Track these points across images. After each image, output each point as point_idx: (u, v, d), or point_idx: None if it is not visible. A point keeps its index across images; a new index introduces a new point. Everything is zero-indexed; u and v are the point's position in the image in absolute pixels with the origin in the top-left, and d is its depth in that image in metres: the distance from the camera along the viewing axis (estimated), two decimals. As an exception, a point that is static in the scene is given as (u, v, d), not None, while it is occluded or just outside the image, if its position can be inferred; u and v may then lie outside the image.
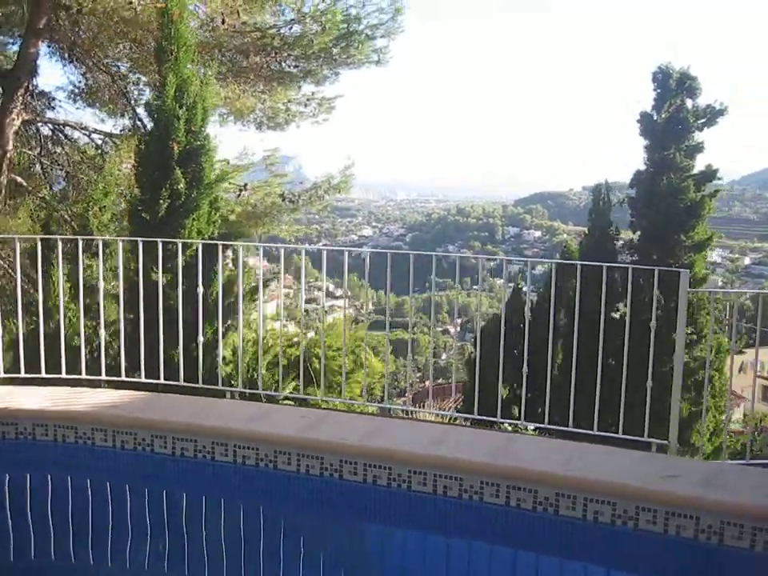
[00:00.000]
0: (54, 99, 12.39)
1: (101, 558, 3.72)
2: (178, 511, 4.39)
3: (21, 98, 10.76)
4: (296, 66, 10.57)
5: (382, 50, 10.52)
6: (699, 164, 9.49)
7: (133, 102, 10.91)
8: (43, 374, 5.84)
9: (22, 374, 5.83)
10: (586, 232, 9.85)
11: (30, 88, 10.99)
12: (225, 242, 6.93)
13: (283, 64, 10.40)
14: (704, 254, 9.39)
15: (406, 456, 4.01)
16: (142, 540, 3.90)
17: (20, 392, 5.20)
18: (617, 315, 8.54)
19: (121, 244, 6.27)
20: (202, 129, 7.58)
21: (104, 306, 6.33)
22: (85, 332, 6.41)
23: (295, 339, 13.61)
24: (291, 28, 9.62)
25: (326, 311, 8.33)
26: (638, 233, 9.59)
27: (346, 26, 9.94)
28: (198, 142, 7.55)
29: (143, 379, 6.03)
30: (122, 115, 11.32)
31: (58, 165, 11.57)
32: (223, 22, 9.34)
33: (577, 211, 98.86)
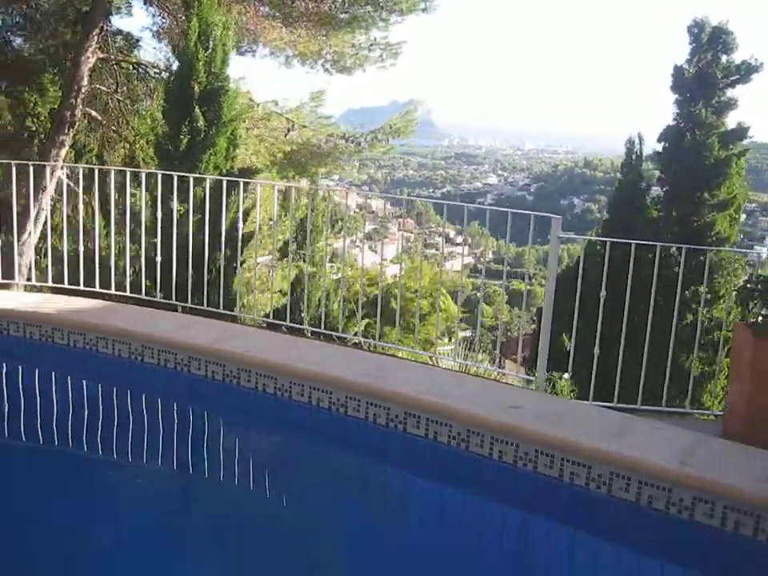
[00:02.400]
0: (138, 39, 13.22)
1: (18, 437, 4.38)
2: (101, 402, 5.05)
3: (96, 37, 11.56)
4: (345, 12, 10.88)
5: (429, -4, 10.69)
6: (732, 122, 9.29)
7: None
8: (81, 287, 6.68)
9: (65, 285, 6.72)
10: (617, 185, 9.86)
11: (105, 28, 11.78)
12: (231, 178, 7.39)
13: (332, 10, 10.72)
14: (729, 213, 9.22)
15: (287, 369, 4.48)
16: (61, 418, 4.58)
17: (9, 295, 5.98)
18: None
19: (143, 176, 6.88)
20: (222, 71, 8.12)
21: (144, 232, 7.16)
22: (118, 254, 7.24)
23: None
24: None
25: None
26: (666, 188, 9.53)
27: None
28: (219, 83, 8.10)
29: (158, 298, 6.66)
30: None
31: (130, 100, 12.38)
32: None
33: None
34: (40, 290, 7.18)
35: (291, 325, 6.68)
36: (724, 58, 9.11)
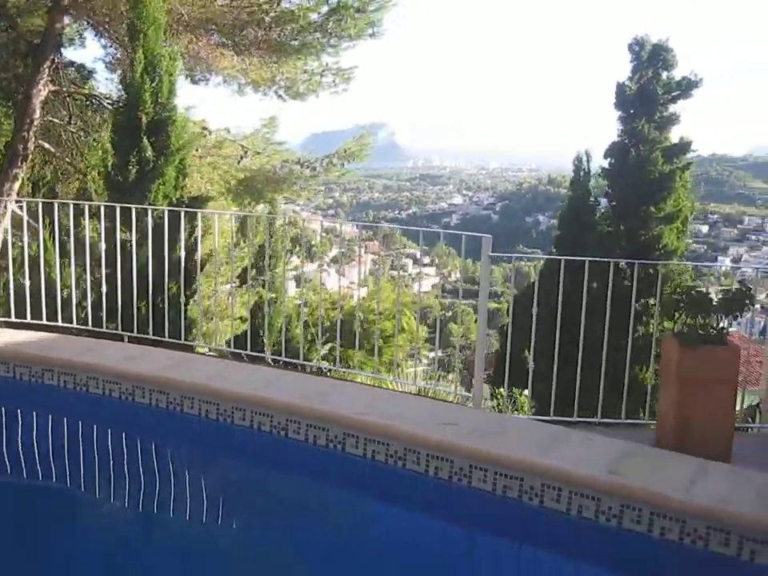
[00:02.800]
0: (91, 71, 13.25)
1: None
2: (49, 433, 5.05)
3: (47, 70, 11.58)
4: (294, 39, 10.98)
5: (376, 23, 10.84)
6: (678, 136, 9.50)
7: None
8: (28, 319, 6.70)
9: (12, 319, 6.73)
10: (567, 202, 10.03)
11: (56, 60, 11.79)
12: (186, 209, 7.44)
13: (281, 37, 10.82)
14: (676, 226, 9.41)
15: (228, 395, 4.52)
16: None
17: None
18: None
19: (93, 208, 6.92)
20: (169, 101, 8.17)
21: (97, 263, 7.18)
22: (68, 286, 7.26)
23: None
24: (278, 4, 10.02)
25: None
26: (613, 203, 9.71)
27: (336, 1, 10.32)
28: (166, 113, 8.15)
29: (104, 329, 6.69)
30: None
31: (84, 132, 12.38)
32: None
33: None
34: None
35: (251, 353, 6.74)
36: (665, 75, 9.32)
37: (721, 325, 4.14)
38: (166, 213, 6.80)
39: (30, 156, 11.76)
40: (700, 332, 4.07)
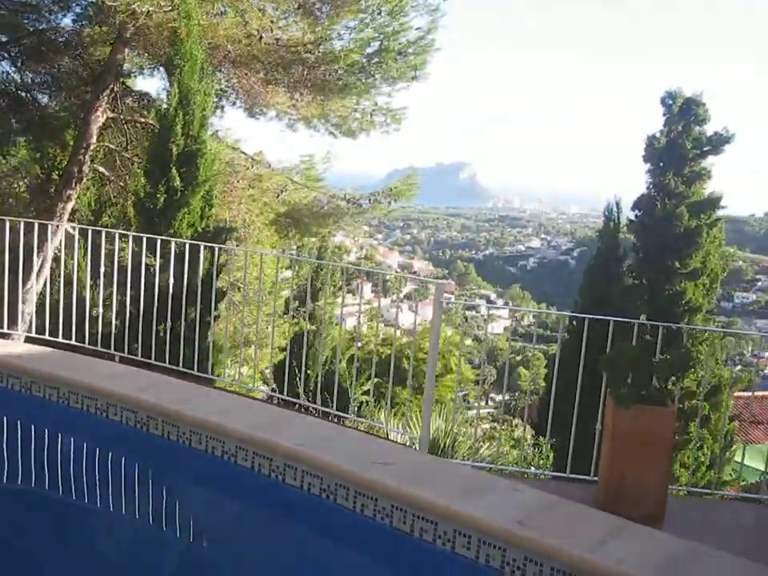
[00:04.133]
0: (153, 99, 13.84)
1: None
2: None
3: (107, 97, 12.18)
4: (339, 79, 11.29)
5: (417, 66, 11.07)
6: (713, 192, 9.40)
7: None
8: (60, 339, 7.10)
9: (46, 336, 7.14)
10: (595, 253, 9.99)
11: (116, 89, 12.38)
12: (199, 242, 7.64)
13: (325, 77, 11.15)
14: (702, 282, 9.27)
15: (187, 419, 4.69)
16: None
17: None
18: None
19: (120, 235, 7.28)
20: (200, 134, 8.52)
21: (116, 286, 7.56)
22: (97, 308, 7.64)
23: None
24: (321, 45, 10.34)
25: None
26: (639, 256, 9.62)
27: (378, 43, 10.59)
28: (196, 146, 8.50)
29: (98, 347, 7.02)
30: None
31: (139, 157, 12.92)
32: (261, 39, 10.24)
33: (756, 238, 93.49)
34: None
35: (283, 397, 6.77)
36: (696, 129, 9.24)
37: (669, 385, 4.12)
38: (188, 245, 7.08)
39: (85, 179, 12.34)
40: (643, 392, 4.06)
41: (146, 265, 7.67)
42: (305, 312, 14.35)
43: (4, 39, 13.55)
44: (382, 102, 13.06)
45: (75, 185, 12.10)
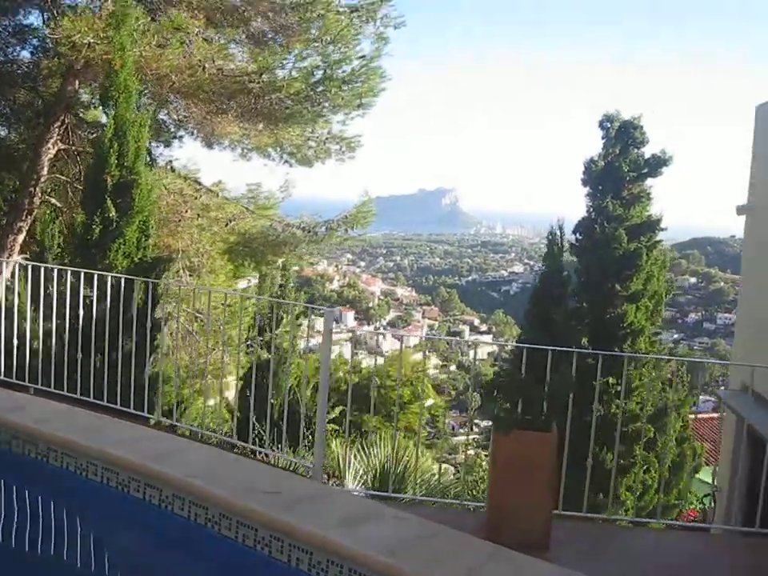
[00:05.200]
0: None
1: None
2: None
3: (57, 129, 12.18)
4: (287, 108, 11.34)
5: (363, 94, 11.13)
6: (647, 215, 9.44)
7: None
8: None
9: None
10: (540, 276, 10.00)
11: (67, 121, 12.38)
12: (130, 277, 7.57)
13: (273, 105, 11.19)
14: (645, 304, 9.28)
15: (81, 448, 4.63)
16: None
17: None
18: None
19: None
20: (135, 165, 8.50)
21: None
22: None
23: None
24: (263, 74, 10.38)
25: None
26: (582, 279, 9.65)
27: (322, 72, 10.65)
28: (131, 176, 8.48)
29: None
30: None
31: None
32: (204, 69, 10.27)
33: (737, 258, 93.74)
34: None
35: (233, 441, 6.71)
36: (634, 152, 9.30)
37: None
38: (123, 280, 7.06)
39: (36, 210, 12.30)
40: (527, 417, 4.03)
41: (84, 297, 7.63)
42: (262, 341, 14.28)
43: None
44: (336, 130, 13.16)
45: (25, 217, 12.06)
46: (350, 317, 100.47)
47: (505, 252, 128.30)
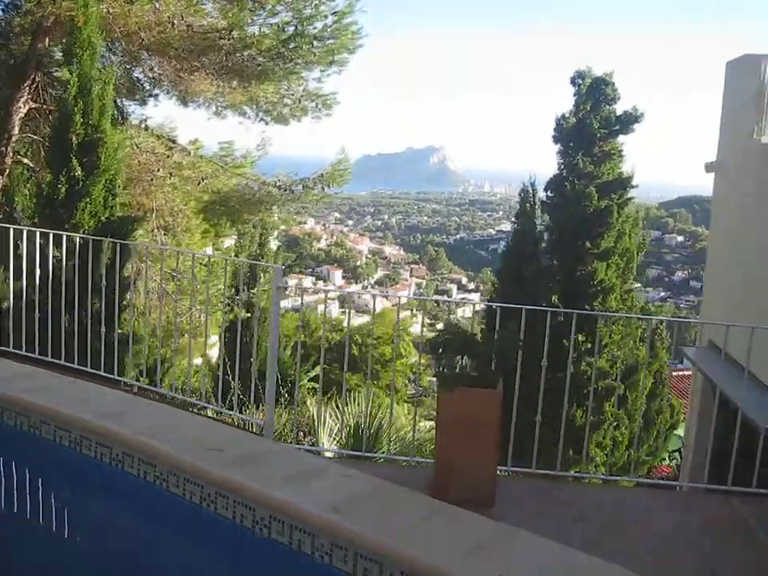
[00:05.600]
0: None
1: None
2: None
3: (28, 88, 12.00)
4: (258, 65, 11.18)
5: (335, 51, 10.99)
6: (618, 172, 9.40)
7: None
8: None
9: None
10: (512, 234, 10.00)
11: (38, 79, 12.19)
12: (95, 237, 7.47)
13: (244, 62, 11.04)
14: (615, 262, 9.29)
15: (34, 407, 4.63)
16: None
17: None
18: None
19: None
20: (100, 123, 8.40)
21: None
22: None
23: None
24: (233, 31, 10.22)
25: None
26: (553, 237, 9.64)
27: (293, 28, 10.49)
28: (97, 135, 8.39)
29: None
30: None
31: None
32: (173, 26, 10.10)
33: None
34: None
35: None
36: (606, 109, 9.23)
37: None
38: (91, 241, 7.01)
39: (8, 170, 12.17)
40: (473, 373, 4.04)
41: (52, 257, 7.59)
42: (239, 300, 14.27)
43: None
44: (312, 87, 13.02)
45: (-2, 176, 11.95)
46: (337, 275, 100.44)
47: (493, 210, 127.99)
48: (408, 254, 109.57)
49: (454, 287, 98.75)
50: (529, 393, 5.60)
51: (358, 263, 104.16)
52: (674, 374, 14.97)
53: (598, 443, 9.40)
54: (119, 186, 8.70)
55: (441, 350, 4.11)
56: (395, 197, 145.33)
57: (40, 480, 4.75)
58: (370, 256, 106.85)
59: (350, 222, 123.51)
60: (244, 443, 4.40)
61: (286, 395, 10.62)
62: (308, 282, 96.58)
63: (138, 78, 13.37)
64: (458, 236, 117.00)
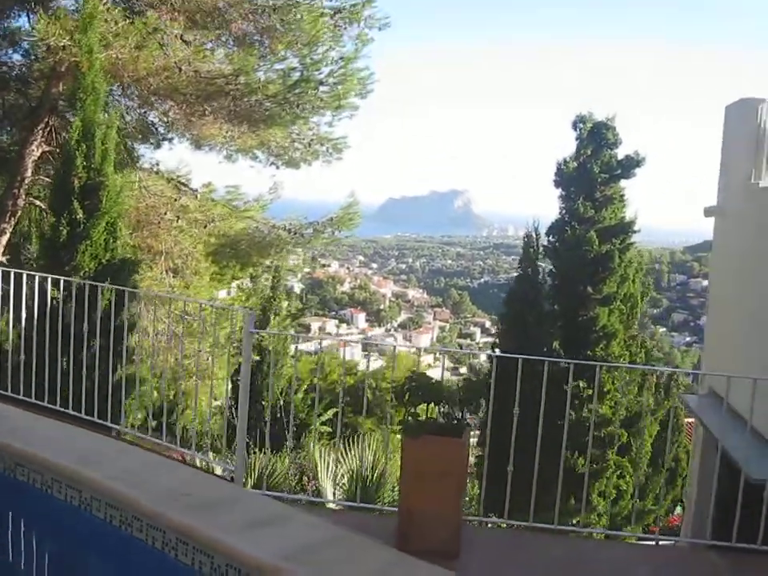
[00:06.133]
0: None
1: None
2: None
3: (41, 131, 12.23)
4: (266, 110, 11.32)
5: (341, 95, 11.10)
6: (620, 216, 9.34)
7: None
8: None
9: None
10: (515, 279, 9.96)
11: (51, 123, 12.42)
12: (94, 283, 7.41)
13: (252, 107, 11.18)
14: (618, 308, 9.19)
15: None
16: None
17: None
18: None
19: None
20: (102, 167, 8.50)
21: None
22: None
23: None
24: (239, 77, 10.37)
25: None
26: (555, 282, 9.58)
27: (299, 74, 10.63)
28: (99, 178, 8.50)
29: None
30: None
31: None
32: (180, 70, 10.28)
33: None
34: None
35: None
36: (607, 153, 9.20)
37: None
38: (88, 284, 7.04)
39: (20, 212, 12.36)
40: (436, 421, 3.97)
41: (51, 299, 7.65)
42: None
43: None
44: (324, 131, 13.17)
45: (9, 218, 12.11)
46: (361, 318, 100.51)
47: (517, 254, 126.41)
48: (431, 297, 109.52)
49: (477, 331, 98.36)
50: (529, 441, 5.52)
51: (382, 306, 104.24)
52: (687, 420, 14.72)
53: (601, 492, 9.21)
54: (120, 229, 8.77)
55: (406, 397, 4.05)
56: (420, 240, 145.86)
57: (9, 522, 4.72)
58: (393, 299, 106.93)
59: (374, 266, 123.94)
60: (211, 488, 4.34)
61: (293, 440, 10.57)
62: (331, 325, 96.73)
63: (152, 122, 13.61)
64: (482, 279, 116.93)
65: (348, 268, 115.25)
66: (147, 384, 8.43)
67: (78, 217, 8.38)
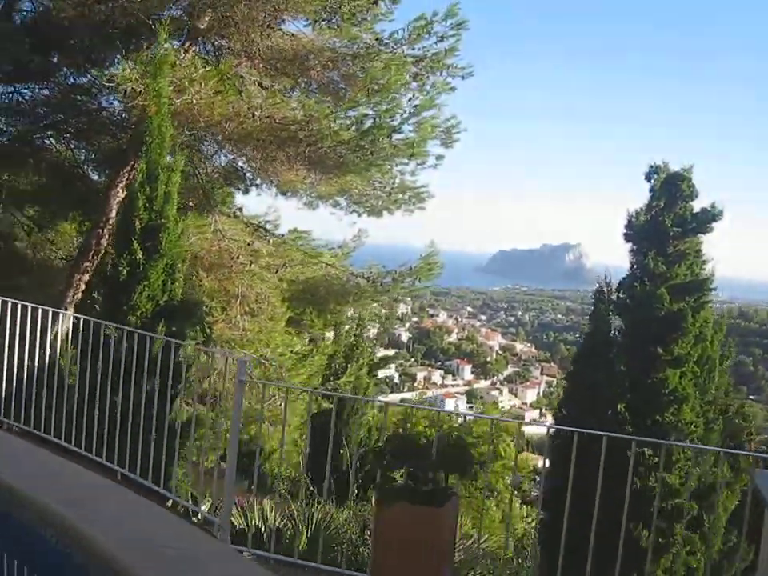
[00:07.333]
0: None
1: None
2: None
3: (126, 174, 12.64)
4: (339, 157, 11.33)
5: (415, 143, 11.00)
6: (694, 273, 8.78)
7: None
8: None
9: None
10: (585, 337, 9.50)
11: (136, 165, 12.84)
12: (143, 332, 7.34)
13: (325, 153, 11.21)
14: (691, 370, 8.57)
15: None
16: None
17: None
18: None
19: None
20: (164, 209, 8.62)
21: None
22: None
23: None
24: (309, 123, 10.41)
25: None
26: (625, 341, 9.04)
27: (372, 121, 10.61)
28: (161, 220, 8.62)
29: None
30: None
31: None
32: (254, 116, 10.42)
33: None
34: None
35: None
36: (681, 206, 8.69)
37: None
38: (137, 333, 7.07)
39: (102, 251, 12.75)
40: (416, 488, 3.66)
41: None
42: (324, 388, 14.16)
43: (59, 118, 14.38)
44: (408, 180, 13.13)
45: (93, 257, 12.49)
46: (467, 370, 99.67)
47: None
48: (539, 351, 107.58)
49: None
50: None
51: (488, 358, 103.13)
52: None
53: (666, 569, 8.53)
54: (179, 271, 8.83)
55: (385, 460, 3.75)
56: (529, 293, 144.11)
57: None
58: (500, 352, 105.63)
59: (483, 317, 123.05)
60: (192, 543, 4.15)
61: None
62: (436, 375, 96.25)
63: (241, 167, 13.90)
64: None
65: (456, 318, 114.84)
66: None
67: (137, 257, 8.49)
